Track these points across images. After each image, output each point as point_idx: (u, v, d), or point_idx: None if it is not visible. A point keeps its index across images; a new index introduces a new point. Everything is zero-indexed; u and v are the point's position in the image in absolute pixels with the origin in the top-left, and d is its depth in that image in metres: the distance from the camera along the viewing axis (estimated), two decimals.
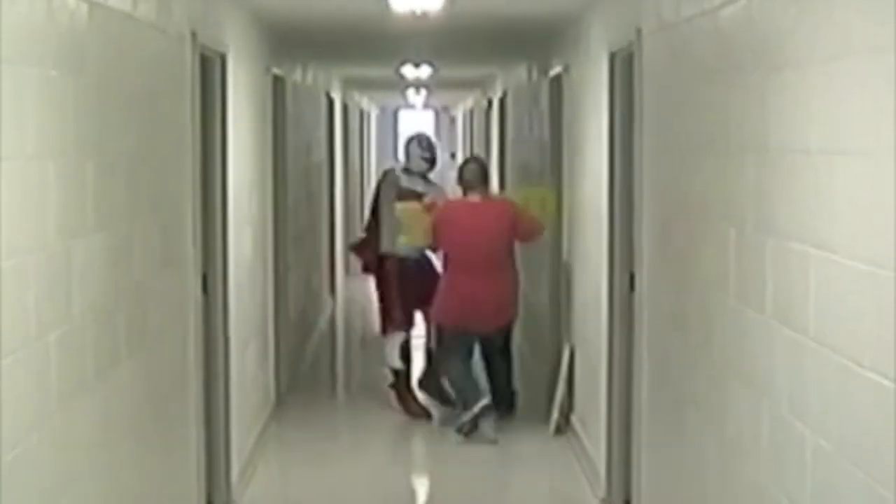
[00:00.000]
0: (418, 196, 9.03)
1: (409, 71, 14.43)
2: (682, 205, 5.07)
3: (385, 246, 9.10)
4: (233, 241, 6.89)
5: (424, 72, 14.55)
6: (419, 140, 9.34)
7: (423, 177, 9.31)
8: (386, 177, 9.36)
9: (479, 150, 19.32)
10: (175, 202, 5.52)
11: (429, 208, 8.65)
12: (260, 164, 8.32)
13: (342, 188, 16.45)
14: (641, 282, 5.97)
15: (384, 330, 9.23)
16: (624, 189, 6.60)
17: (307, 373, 10.79)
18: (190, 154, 5.81)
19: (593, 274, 7.35)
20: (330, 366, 11.81)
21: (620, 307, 6.69)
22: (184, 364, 5.68)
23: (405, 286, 9.05)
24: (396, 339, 9.15)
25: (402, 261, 9.05)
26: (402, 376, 9.22)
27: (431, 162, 9.29)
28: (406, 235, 8.70)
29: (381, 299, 9.21)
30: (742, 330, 4.14)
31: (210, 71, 6.49)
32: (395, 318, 9.10)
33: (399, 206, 8.82)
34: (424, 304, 8.94)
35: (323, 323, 13.18)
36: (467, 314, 8.34)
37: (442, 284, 8.44)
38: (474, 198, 8.52)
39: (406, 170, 9.31)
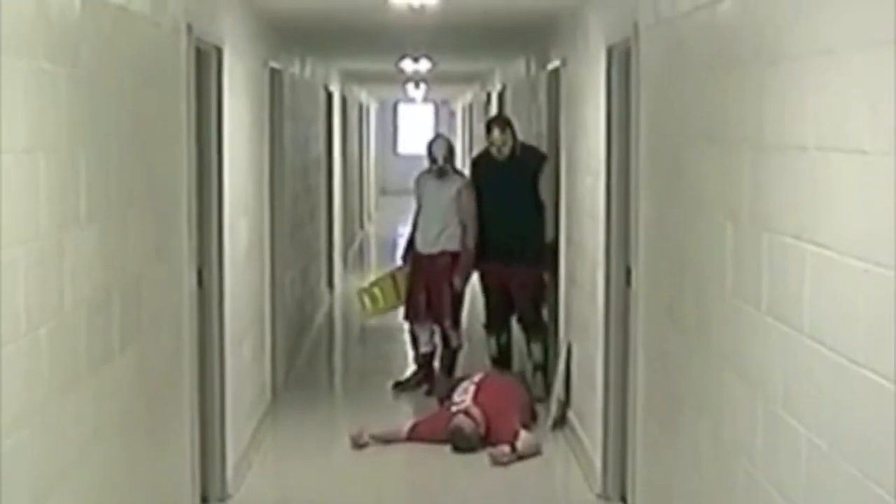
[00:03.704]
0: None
1: (407, 65, 14.41)
2: (680, 199, 5.06)
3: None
4: (228, 233, 6.87)
5: (423, 66, 14.54)
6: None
7: (441, 174, 9.56)
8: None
9: (478, 144, 19.31)
10: (170, 195, 5.50)
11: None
12: (257, 157, 8.31)
13: (341, 181, 16.43)
14: (638, 276, 5.96)
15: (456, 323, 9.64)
16: (621, 183, 6.58)
17: (304, 367, 10.77)
18: (185, 147, 5.78)
19: (590, 269, 7.34)
20: (327, 360, 11.79)
21: (617, 302, 6.68)
22: (178, 358, 5.66)
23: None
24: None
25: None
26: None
27: (434, 161, 9.58)
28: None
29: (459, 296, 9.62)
30: (738, 326, 4.12)
31: (206, 64, 6.47)
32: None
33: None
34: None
35: (320, 317, 13.16)
36: None
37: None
38: None
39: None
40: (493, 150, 9.31)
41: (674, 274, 5.17)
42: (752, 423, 3.95)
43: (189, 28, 5.81)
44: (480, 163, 9.63)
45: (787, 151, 3.63)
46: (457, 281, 9.36)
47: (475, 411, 8.04)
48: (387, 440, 8.12)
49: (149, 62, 5.12)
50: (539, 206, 9.15)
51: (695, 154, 4.79)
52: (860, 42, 3.08)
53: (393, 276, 9.79)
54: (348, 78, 18.08)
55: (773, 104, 3.77)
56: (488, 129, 9.40)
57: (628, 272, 6.27)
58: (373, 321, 10.58)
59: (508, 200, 9.24)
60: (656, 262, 5.58)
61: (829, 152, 3.28)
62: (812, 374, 3.39)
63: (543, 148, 9.56)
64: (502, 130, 9.31)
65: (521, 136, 9.62)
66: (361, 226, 22.59)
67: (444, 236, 9.41)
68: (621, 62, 6.55)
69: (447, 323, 9.46)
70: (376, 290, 9.81)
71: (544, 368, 9.32)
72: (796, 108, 3.55)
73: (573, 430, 8.04)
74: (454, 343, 9.62)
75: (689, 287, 4.88)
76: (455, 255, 9.38)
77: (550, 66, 9.41)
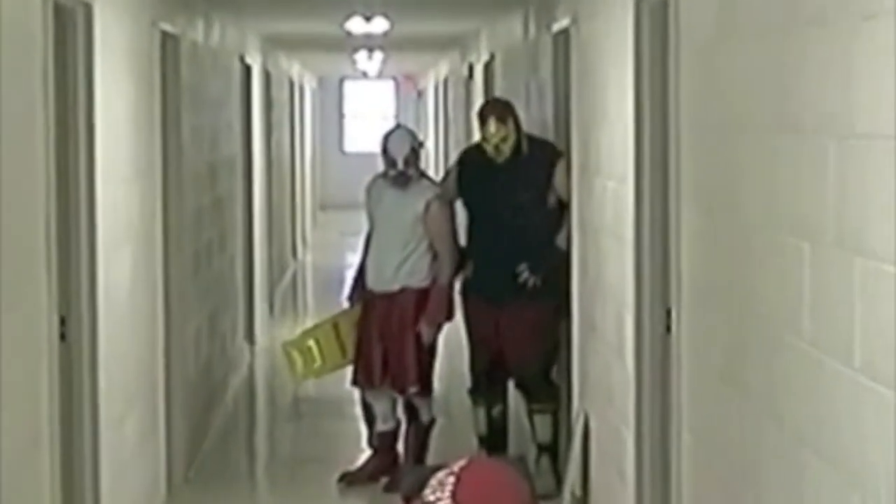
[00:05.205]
0: None
1: (357, 25, 14.44)
2: (736, 211, 5.06)
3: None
4: (104, 268, 6.85)
5: (379, 26, 14.57)
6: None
7: (403, 182, 9.46)
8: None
9: (458, 134, 19.37)
10: (20, 216, 5.47)
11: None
12: (144, 158, 8.29)
13: (264, 191, 16.43)
14: (680, 320, 5.96)
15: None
16: (655, 190, 6.60)
17: (213, 453, 10.74)
18: (42, 143, 5.77)
19: (614, 311, 7.34)
20: (246, 443, 11.76)
21: (652, 357, 6.68)
22: (35, 443, 5.63)
23: None
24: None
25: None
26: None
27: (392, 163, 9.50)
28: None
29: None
30: (820, 388, 4.12)
31: (69, 27, 6.46)
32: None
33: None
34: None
35: (237, 383, 13.14)
36: None
37: None
38: None
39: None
40: (489, 149, 9.24)
41: (730, 317, 5.17)
42: None
43: None
44: (469, 162, 9.57)
45: (886, 143, 3.63)
46: (425, 330, 9.32)
47: None
48: None
49: None
50: (550, 219, 9.13)
51: (758, 148, 4.79)
52: None
53: (335, 323, 9.72)
54: (274, 45, 18.09)
55: (866, 77, 3.76)
56: (482, 120, 9.31)
57: (668, 315, 6.27)
58: (310, 387, 10.53)
59: (508, 216, 9.19)
60: (706, 300, 5.58)
61: None
62: None
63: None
64: (501, 121, 9.20)
65: (525, 127, 9.58)
66: (294, 254, 22.60)
67: (407, 268, 9.37)
68: (655, 22, 6.57)
69: (413, 389, 9.43)
70: (311, 343, 9.72)
71: (553, 451, 9.31)
72: None
73: None
74: (424, 417, 9.60)
75: (751, 335, 4.87)
76: (422, 294, 9.34)
77: (557, 27, 9.42)
